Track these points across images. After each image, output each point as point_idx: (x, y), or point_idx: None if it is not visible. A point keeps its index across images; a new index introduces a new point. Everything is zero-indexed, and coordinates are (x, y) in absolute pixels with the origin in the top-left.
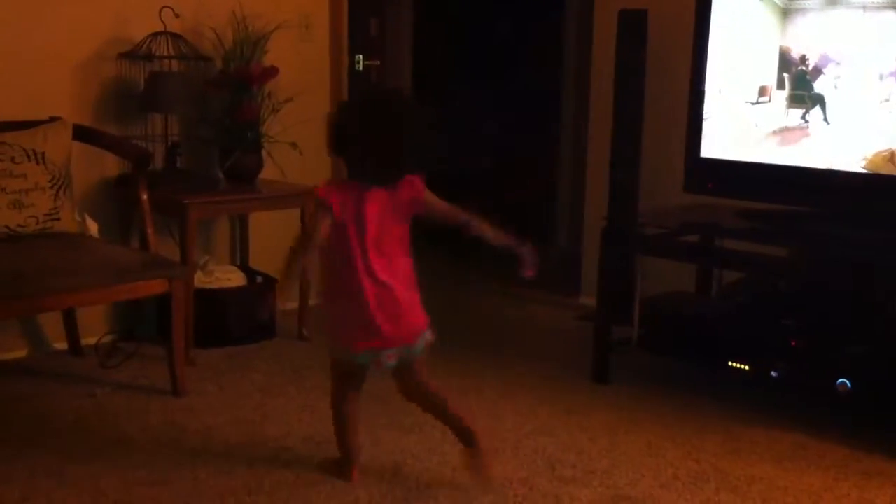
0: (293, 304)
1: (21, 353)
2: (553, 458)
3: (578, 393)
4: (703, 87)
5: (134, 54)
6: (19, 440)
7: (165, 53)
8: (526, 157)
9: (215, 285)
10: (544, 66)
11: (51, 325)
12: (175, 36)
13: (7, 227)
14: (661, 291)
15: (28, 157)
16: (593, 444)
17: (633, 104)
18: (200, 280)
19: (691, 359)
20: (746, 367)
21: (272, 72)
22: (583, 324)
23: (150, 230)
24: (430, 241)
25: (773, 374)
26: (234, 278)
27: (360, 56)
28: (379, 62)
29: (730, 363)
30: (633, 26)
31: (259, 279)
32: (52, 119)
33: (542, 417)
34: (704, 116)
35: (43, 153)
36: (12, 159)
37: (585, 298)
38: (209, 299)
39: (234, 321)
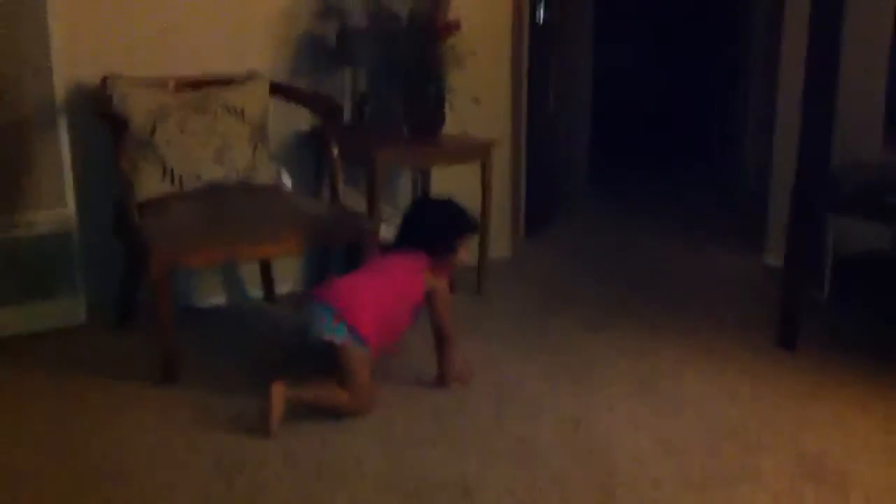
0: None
1: (221, 300)
2: (737, 425)
3: (763, 357)
4: None
5: (326, 10)
6: (231, 380)
7: (355, 9)
8: (713, 104)
9: None
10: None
11: (249, 274)
12: None
13: (210, 179)
14: (853, 250)
15: (229, 112)
16: (778, 411)
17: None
18: (383, 232)
19: (886, 323)
20: None
21: (455, 25)
22: (769, 282)
23: (339, 182)
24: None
25: None
26: None
27: (542, 9)
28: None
29: None
30: None
31: None
32: (251, 72)
33: (725, 382)
34: None
35: (242, 109)
36: (215, 114)
37: (770, 254)
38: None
39: None
